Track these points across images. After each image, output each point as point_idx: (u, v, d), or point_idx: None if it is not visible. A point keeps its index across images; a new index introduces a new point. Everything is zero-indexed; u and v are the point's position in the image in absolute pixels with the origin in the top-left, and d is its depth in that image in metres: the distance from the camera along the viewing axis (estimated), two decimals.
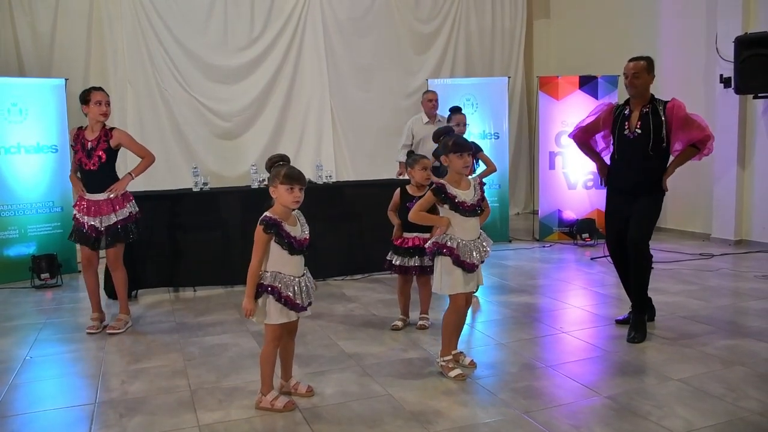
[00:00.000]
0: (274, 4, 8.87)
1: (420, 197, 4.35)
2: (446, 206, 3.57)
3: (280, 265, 3.21)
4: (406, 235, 4.49)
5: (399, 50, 9.55)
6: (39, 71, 7.60)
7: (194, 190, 5.87)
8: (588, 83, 7.98)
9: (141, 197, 5.81)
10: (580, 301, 5.30)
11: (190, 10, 8.46)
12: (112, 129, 4.65)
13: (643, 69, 4.24)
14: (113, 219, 4.53)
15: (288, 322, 3.25)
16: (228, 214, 5.74)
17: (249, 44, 8.78)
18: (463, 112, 6.12)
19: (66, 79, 6.69)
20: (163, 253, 5.65)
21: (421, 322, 4.56)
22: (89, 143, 4.54)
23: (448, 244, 3.55)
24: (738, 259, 6.71)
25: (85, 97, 4.57)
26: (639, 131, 4.24)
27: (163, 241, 5.63)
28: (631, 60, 4.32)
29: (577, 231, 7.83)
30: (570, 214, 8.00)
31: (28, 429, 3.16)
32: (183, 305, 5.37)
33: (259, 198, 5.83)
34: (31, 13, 7.73)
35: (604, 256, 6.75)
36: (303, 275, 3.30)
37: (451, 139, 3.68)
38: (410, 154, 4.76)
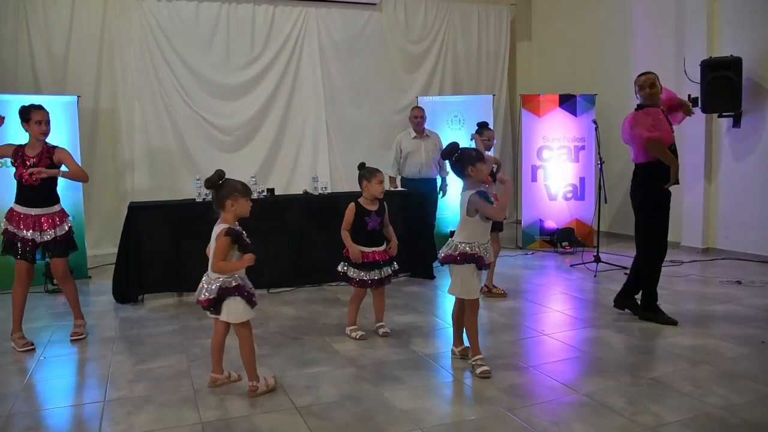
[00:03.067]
0: (273, 26, 8.91)
1: (376, 212, 4.40)
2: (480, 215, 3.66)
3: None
4: (364, 249, 4.34)
5: (390, 69, 9.60)
6: (53, 89, 7.61)
7: (197, 200, 5.89)
8: (567, 101, 8.07)
9: (147, 207, 5.87)
10: (560, 306, 5.35)
11: (195, 31, 8.49)
12: (54, 147, 4.45)
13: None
14: (51, 234, 4.33)
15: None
16: None
17: (249, 63, 8.80)
18: (491, 127, 5.88)
19: (78, 96, 6.72)
20: (167, 260, 5.65)
21: (383, 330, 4.48)
22: (30, 159, 4.32)
23: (478, 253, 3.66)
24: (705, 265, 6.79)
25: (26, 116, 4.33)
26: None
27: (167, 248, 5.64)
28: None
29: (557, 239, 7.89)
30: (551, 224, 8.06)
31: (43, 424, 3.17)
32: (186, 309, 5.37)
33: (257, 207, 5.89)
34: (47, 34, 7.74)
35: (583, 263, 6.82)
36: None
37: (474, 150, 3.79)
38: (362, 166, 4.53)
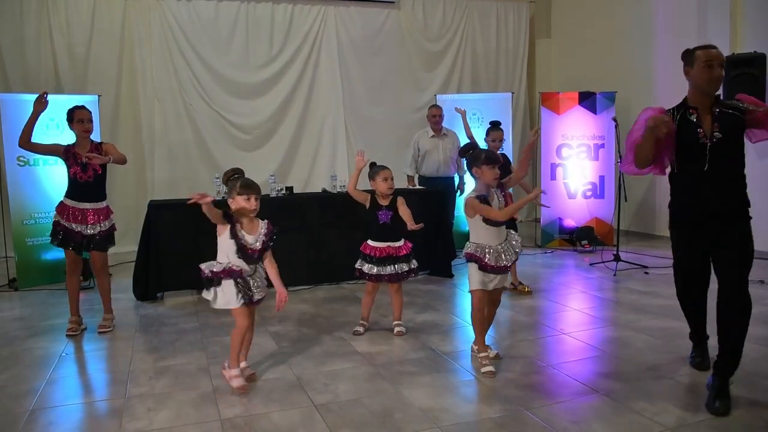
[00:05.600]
0: (292, 25, 8.95)
1: (387, 207, 4.40)
2: (480, 219, 3.64)
3: (230, 257, 3.42)
4: (378, 244, 4.38)
5: (409, 68, 9.60)
6: (74, 88, 7.71)
7: (217, 198, 5.91)
8: (587, 99, 8.00)
9: (167, 205, 5.91)
10: (579, 304, 5.31)
11: (214, 30, 8.57)
12: (101, 143, 4.71)
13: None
14: (98, 228, 4.56)
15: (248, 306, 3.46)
16: None
17: (268, 62, 8.85)
18: (501, 128, 5.79)
19: (99, 96, 6.80)
20: (187, 258, 5.63)
21: (397, 329, 4.47)
22: (82, 158, 4.52)
23: (479, 254, 3.65)
24: None
25: (70, 116, 4.58)
26: (719, 135, 3.14)
27: (187, 246, 5.65)
28: (711, 47, 3.23)
29: (576, 238, 7.83)
30: (570, 222, 8.00)
31: (65, 420, 3.20)
32: (206, 306, 5.30)
33: (277, 206, 5.93)
34: (68, 34, 7.87)
35: (602, 262, 6.76)
36: (251, 275, 3.46)
37: (483, 152, 3.77)
38: (372, 165, 4.55)
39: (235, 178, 3.47)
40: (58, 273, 6.19)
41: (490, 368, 3.68)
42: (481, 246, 3.66)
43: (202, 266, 3.43)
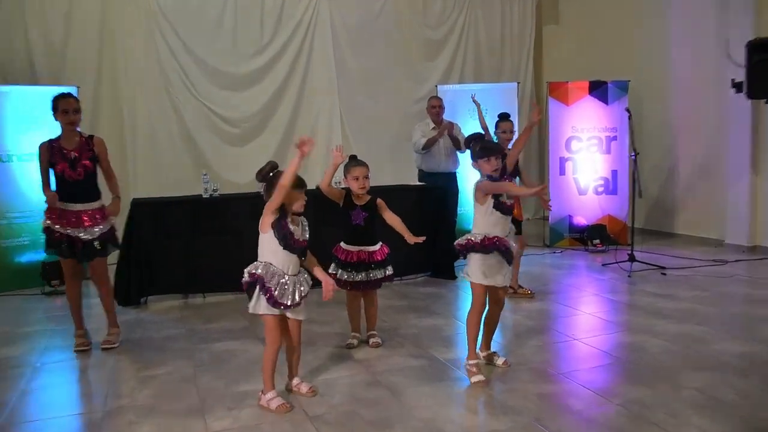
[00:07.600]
0: (283, 11, 8.91)
1: (363, 207, 4.28)
2: (491, 205, 3.62)
3: (271, 256, 3.32)
4: (350, 247, 4.25)
5: (408, 57, 9.57)
6: (51, 79, 7.65)
7: (204, 196, 5.89)
8: (598, 88, 7.97)
9: (151, 203, 5.87)
10: (591, 308, 5.27)
11: (200, 17, 8.52)
12: (91, 137, 4.47)
13: None
14: (97, 232, 4.33)
15: (280, 315, 3.38)
16: (237, 220, 5.70)
17: (258, 51, 8.81)
18: (510, 119, 5.64)
19: (78, 87, 6.74)
20: (172, 260, 5.65)
21: (373, 340, 4.36)
22: (71, 153, 4.31)
23: (477, 239, 3.63)
24: (752, 265, 6.65)
25: (53, 105, 4.32)
26: None
27: (173, 248, 5.64)
28: None
29: (588, 237, 7.79)
30: (581, 220, 7.97)
31: None
32: (192, 312, 5.37)
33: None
34: (44, 22, 7.80)
35: (616, 263, 6.72)
36: (296, 275, 3.41)
37: (478, 145, 3.76)
38: (351, 158, 4.43)
39: (278, 176, 3.38)
40: (33, 277, 6.14)
41: (480, 377, 3.63)
42: (485, 235, 3.63)
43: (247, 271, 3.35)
